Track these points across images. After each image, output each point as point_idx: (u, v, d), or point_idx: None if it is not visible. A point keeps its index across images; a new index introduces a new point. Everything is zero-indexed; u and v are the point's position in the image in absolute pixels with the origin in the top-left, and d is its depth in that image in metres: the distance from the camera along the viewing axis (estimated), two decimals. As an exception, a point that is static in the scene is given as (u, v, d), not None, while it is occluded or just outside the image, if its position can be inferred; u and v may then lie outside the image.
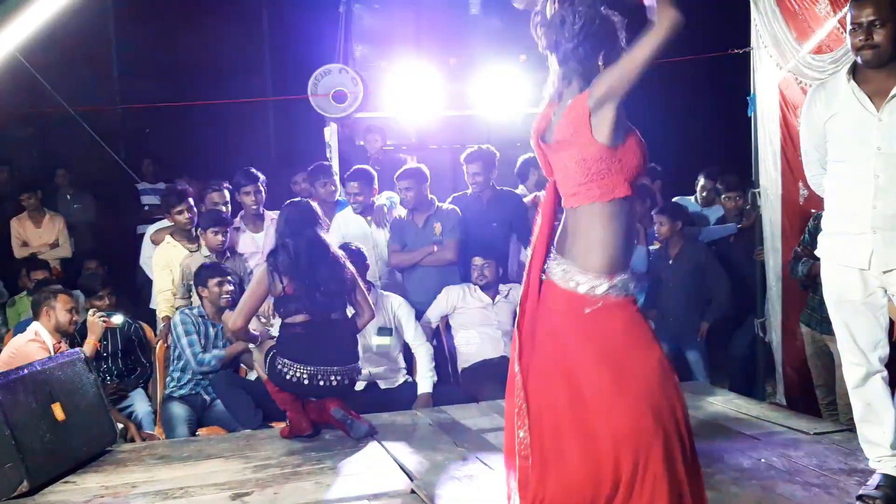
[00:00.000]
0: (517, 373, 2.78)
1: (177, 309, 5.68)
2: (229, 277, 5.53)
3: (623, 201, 2.67)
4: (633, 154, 2.67)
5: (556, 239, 2.80)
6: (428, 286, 6.01)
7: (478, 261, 5.85)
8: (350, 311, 4.77)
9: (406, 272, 6.13)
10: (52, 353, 4.97)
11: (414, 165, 6.36)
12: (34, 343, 5.02)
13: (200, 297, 5.52)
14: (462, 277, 6.08)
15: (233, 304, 5.31)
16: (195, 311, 5.50)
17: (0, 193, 8.50)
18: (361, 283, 4.80)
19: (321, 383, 4.46)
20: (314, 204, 4.92)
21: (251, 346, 4.80)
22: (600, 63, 2.68)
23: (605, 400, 2.61)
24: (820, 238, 3.62)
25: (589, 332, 2.66)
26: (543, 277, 2.79)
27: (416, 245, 6.06)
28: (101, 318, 5.34)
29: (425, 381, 5.52)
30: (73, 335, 5.39)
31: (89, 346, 5.18)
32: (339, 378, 4.50)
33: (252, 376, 5.33)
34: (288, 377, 4.45)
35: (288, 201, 4.90)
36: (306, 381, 4.44)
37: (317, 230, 4.65)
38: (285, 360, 4.45)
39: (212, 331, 5.47)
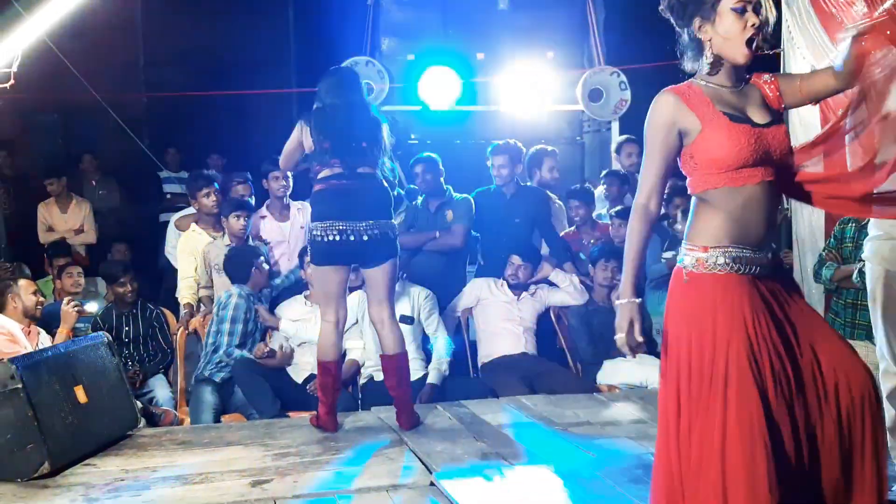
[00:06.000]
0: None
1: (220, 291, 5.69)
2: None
3: None
4: None
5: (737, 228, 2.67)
6: (434, 270, 6.04)
7: (516, 260, 5.86)
8: None
9: (410, 256, 6.04)
10: (23, 340, 4.89)
11: (428, 154, 6.36)
12: None
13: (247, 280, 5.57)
14: (466, 264, 6.25)
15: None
16: (245, 290, 5.50)
17: (26, 178, 8.53)
18: None
19: (351, 238, 4.34)
20: (357, 72, 4.90)
21: None
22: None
23: None
24: (866, 242, 3.59)
25: None
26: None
27: (424, 229, 6.13)
28: (75, 307, 5.18)
29: (435, 372, 5.45)
30: (47, 322, 5.25)
31: (61, 336, 5.05)
32: (372, 232, 4.37)
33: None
34: (324, 241, 4.35)
35: (332, 67, 4.82)
36: (338, 238, 4.34)
37: (359, 96, 4.58)
38: (318, 224, 4.38)
39: (251, 326, 5.48)
